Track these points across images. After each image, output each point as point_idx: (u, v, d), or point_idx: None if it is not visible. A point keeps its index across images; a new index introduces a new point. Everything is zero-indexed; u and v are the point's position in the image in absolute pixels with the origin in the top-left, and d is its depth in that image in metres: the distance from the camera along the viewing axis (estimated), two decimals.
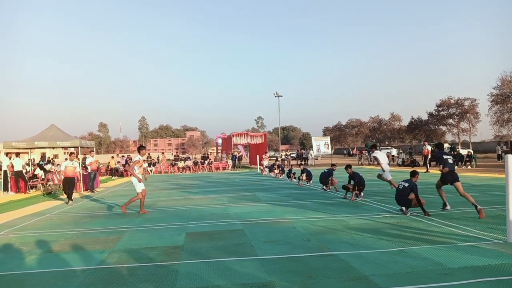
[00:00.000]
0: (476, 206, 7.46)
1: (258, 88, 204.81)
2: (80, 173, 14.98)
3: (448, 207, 8.33)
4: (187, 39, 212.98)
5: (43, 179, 17.20)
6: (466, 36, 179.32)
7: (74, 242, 6.45)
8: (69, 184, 12.09)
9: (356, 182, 10.49)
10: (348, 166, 11.19)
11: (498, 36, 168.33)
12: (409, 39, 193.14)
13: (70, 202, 11.82)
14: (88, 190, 15.92)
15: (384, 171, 11.02)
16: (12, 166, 15.71)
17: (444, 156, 7.99)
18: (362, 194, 10.81)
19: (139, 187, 9.21)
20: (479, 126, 50.83)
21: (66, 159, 12.90)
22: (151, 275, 4.55)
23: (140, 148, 9.77)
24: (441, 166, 7.98)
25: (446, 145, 42.07)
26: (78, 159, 15.39)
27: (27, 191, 15.90)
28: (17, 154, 16.42)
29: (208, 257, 5.26)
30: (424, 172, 20.52)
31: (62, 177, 12.44)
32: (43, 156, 46.39)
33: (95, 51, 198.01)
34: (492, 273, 4.25)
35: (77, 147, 17.31)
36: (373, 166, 29.60)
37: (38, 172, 17.99)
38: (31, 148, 18.47)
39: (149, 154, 39.10)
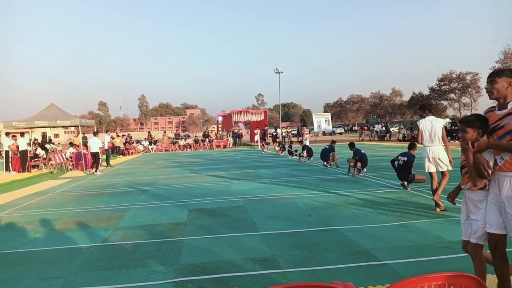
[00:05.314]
0: None
1: (259, 65, 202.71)
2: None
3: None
4: (187, 16, 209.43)
5: (44, 159, 17.28)
6: (470, 8, 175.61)
7: (78, 220, 6.53)
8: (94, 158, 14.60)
9: (357, 159, 10.55)
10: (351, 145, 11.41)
11: (503, 8, 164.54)
12: (411, 13, 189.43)
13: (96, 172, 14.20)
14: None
15: None
16: (17, 146, 15.73)
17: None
18: (364, 170, 10.86)
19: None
20: (480, 100, 50.26)
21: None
22: (156, 251, 4.63)
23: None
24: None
25: (447, 120, 42.03)
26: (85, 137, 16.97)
27: (25, 171, 15.97)
28: (22, 134, 16.46)
29: (211, 233, 5.33)
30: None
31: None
32: (44, 136, 46.40)
33: (94, 29, 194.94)
34: None
35: (77, 126, 17.28)
36: (374, 142, 29.62)
37: (40, 151, 18.05)
38: (31, 128, 18.43)
39: (149, 132, 39.11)
